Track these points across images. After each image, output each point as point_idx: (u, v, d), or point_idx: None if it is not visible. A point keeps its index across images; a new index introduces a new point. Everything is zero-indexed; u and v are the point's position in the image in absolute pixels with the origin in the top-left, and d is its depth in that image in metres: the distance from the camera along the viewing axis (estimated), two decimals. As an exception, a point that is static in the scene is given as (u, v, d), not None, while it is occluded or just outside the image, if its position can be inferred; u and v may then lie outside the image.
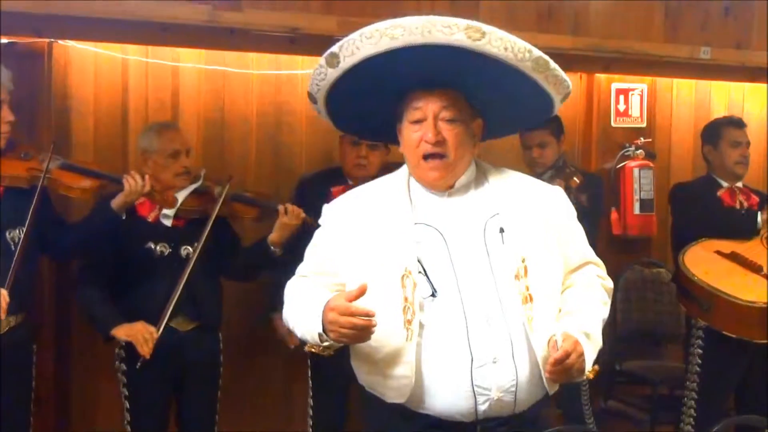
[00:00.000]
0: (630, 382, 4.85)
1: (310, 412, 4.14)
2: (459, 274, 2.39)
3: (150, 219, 3.69)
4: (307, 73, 4.47)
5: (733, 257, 4.12)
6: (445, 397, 2.37)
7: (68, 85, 4.16)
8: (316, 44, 4.27)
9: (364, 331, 2.25)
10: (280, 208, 3.74)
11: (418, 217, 2.46)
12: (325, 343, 2.33)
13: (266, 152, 4.50)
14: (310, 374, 4.12)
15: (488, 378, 2.34)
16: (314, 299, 2.37)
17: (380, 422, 2.54)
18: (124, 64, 4.25)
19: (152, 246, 3.66)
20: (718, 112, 5.21)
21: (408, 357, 2.35)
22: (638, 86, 5.14)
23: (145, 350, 3.49)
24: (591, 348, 2.40)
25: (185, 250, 3.68)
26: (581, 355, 2.33)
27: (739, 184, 4.52)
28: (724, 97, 5.39)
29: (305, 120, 4.51)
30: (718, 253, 4.15)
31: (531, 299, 2.38)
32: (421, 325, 2.36)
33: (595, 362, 2.42)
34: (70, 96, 4.17)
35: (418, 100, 2.45)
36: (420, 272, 2.38)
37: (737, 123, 4.58)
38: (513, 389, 2.36)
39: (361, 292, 2.24)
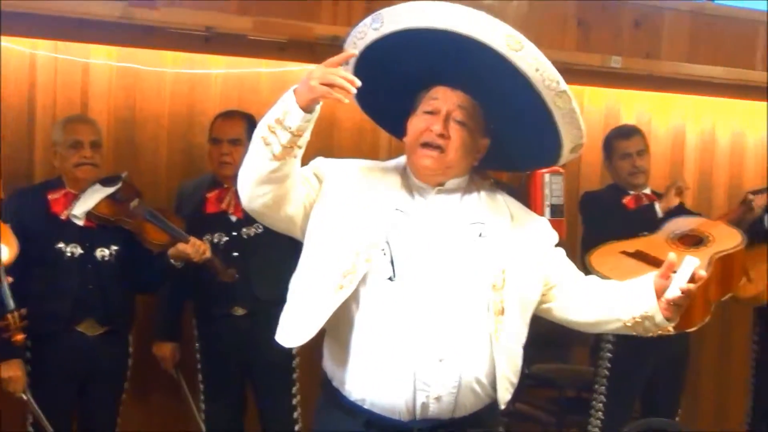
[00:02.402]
0: (538, 385, 4.91)
1: (202, 416, 4.10)
2: (424, 265, 2.36)
3: (62, 217, 3.63)
4: (221, 73, 4.49)
5: (638, 255, 4.19)
6: (387, 387, 2.35)
7: (-27, 80, 4.05)
8: (230, 44, 4.27)
9: (344, 85, 2.18)
10: (192, 240, 3.70)
11: (401, 205, 2.44)
12: (290, 114, 2.22)
13: (178, 152, 4.45)
14: (200, 375, 4.10)
15: (431, 375, 2.33)
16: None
17: (326, 414, 2.52)
18: (32, 60, 4.15)
19: (63, 247, 3.60)
20: (627, 120, 5.30)
21: (327, 310, 2.32)
22: (550, 93, 5.21)
23: None
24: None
25: (101, 252, 3.63)
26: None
27: (646, 191, 4.61)
28: (633, 105, 5.49)
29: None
30: (624, 252, 4.22)
31: (503, 312, 2.38)
32: (382, 306, 2.34)
33: None
34: (-25, 91, 4.06)
35: (437, 93, 2.42)
36: (384, 254, 2.36)
37: (625, 133, 4.63)
38: (455, 391, 2.35)
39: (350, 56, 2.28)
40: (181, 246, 3.67)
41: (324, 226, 2.40)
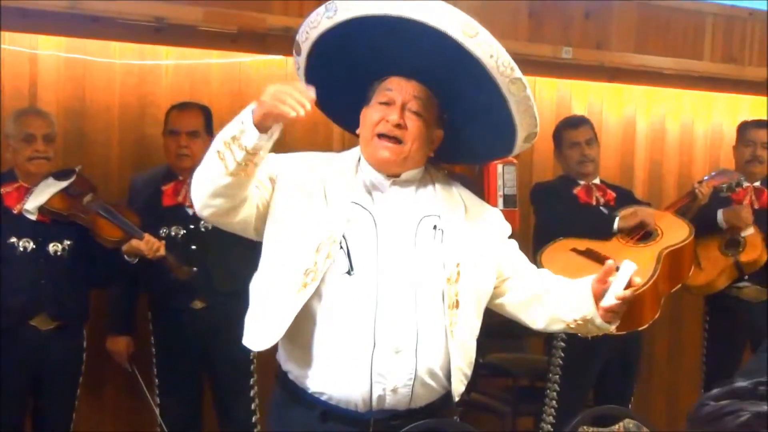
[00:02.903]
0: (493, 375, 4.94)
1: (157, 411, 4.06)
2: (380, 259, 2.36)
3: (15, 211, 3.59)
4: (172, 64, 4.45)
5: (588, 253, 4.22)
6: (343, 379, 2.35)
7: None
8: (181, 34, 4.23)
9: (297, 103, 2.15)
10: (146, 237, 3.66)
11: (357, 197, 2.43)
12: (245, 132, 2.19)
13: (129, 144, 4.40)
14: (155, 369, 4.06)
15: (387, 367, 2.33)
16: None
17: (279, 404, 2.53)
18: (-23, 51, 4.09)
19: (15, 241, 3.56)
20: (579, 110, 5.35)
21: (291, 312, 2.31)
22: (503, 84, 5.22)
23: None
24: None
25: (54, 247, 3.59)
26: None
27: (597, 181, 4.64)
28: (584, 96, 5.53)
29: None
30: (574, 250, 4.25)
31: (457, 305, 2.39)
32: (338, 299, 2.33)
33: None
34: None
35: (391, 84, 2.42)
36: (341, 248, 2.35)
37: (574, 123, 4.66)
38: (410, 383, 2.36)
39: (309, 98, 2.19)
40: (134, 242, 3.63)
41: (281, 225, 2.39)
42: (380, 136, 2.42)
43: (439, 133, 2.51)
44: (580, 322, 2.45)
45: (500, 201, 5.08)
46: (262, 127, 2.19)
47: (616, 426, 2.79)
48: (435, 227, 2.43)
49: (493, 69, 2.28)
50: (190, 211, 3.90)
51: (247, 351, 2.55)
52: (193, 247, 3.91)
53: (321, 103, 2.69)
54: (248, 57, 4.41)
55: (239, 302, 2.54)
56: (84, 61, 4.26)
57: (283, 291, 2.35)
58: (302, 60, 2.51)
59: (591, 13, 5.27)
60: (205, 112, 4.00)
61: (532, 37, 5.08)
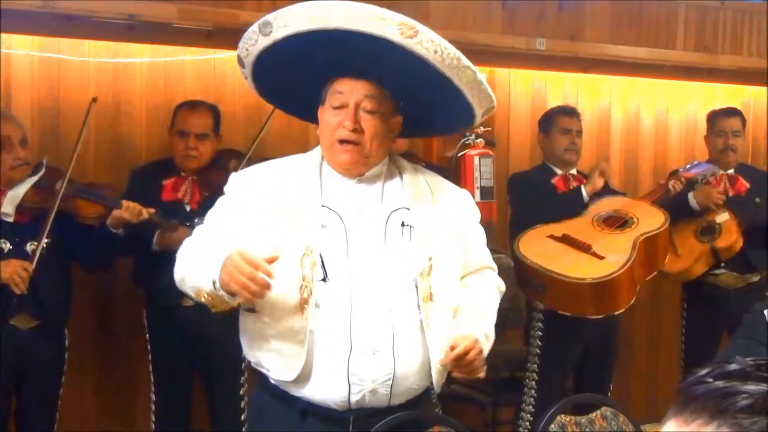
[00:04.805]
0: (473, 366, 4.94)
1: (153, 407, 4.06)
2: (352, 261, 2.39)
3: None
4: (146, 62, 4.43)
5: (564, 239, 4.25)
6: (321, 383, 2.38)
7: None
8: (155, 32, 4.21)
9: (260, 288, 2.19)
10: (125, 203, 3.64)
11: (324, 201, 2.45)
12: (219, 293, 2.27)
13: (105, 142, 4.37)
14: (151, 366, 4.05)
15: (365, 369, 2.36)
16: (218, 249, 2.30)
17: (260, 404, 2.55)
18: (-48, 51, 4.06)
19: None
20: (554, 102, 5.36)
21: (301, 335, 2.35)
22: (478, 76, 5.23)
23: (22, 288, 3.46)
24: (487, 348, 2.48)
25: (31, 246, 3.57)
26: (480, 352, 2.40)
27: (573, 171, 4.68)
28: (559, 87, 5.56)
29: (145, 110, 4.41)
30: (551, 237, 4.28)
31: (431, 298, 2.41)
32: (317, 305, 2.36)
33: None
34: None
35: (341, 86, 2.43)
36: (319, 254, 2.38)
37: (569, 112, 4.75)
38: (389, 382, 2.38)
39: (272, 261, 2.22)
40: (116, 212, 3.62)
41: (260, 248, 2.38)
42: (339, 141, 2.44)
43: (398, 120, 2.54)
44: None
45: (477, 193, 5.07)
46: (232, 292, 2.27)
47: (594, 414, 2.81)
48: (403, 224, 2.45)
49: (439, 63, 2.31)
50: (188, 208, 3.91)
51: (238, 350, 2.57)
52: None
53: (276, 101, 2.75)
54: (223, 53, 4.40)
55: None
56: (58, 60, 4.24)
57: (289, 320, 2.38)
58: (248, 71, 2.56)
59: (564, 5, 5.29)
60: (214, 113, 4.01)
61: (505, 29, 5.10)
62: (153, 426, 4.06)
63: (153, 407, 4.07)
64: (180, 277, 2.45)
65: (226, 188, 2.56)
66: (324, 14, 2.28)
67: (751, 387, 0.91)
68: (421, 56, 2.28)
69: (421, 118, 2.59)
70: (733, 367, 0.95)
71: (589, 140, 4.95)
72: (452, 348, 2.36)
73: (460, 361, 2.36)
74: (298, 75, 2.50)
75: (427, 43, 2.28)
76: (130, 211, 3.62)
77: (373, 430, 2.38)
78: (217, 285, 2.25)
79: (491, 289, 2.65)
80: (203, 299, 2.36)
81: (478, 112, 2.49)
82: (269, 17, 2.36)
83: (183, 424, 4.08)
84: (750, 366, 0.94)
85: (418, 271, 2.41)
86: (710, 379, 0.95)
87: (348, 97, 2.42)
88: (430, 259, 2.43)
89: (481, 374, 2.49)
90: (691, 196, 4.76)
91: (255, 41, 2.42)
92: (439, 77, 2.34)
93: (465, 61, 2.33)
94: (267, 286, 2.21)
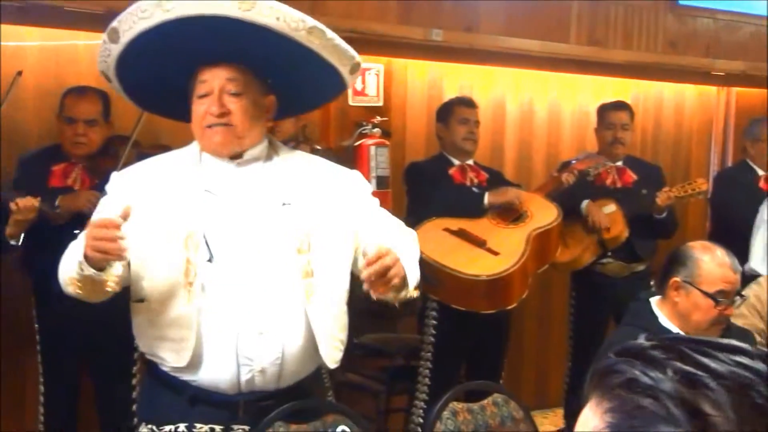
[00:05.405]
0: (367, 355, 4.97)
1: (41, 399, 3.97)
2: (236, 242, 2.39)
3: None
4: (36, 45, 4.32)
5: (460, 234, 4.30)
6: (211, 366, 2.37)
7: None
8: (46, 15, 4.10)
9: (112, 242, 2.17)
10: (12, 206, 3.54)
11: (206, 185, 2.45)
12: (86, 272, 2.25)
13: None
14: (40, 362, 3.97)
15: (253, 349, 2.36)
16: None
17: (150, 392, 2.54)
18: None
19: None
20: (450, 93, 5.42)
21: (188, 319, 2.34)
22: (374, 66, 5.25)
23: None
24: (412, 267, 2.40)
25: None
26: (397, 260, 2.30)
27: (470, 162, 4.74)
28: (455, 79, 5.61)
29: (35, 96, 4.30)
30: (447, 230, 4.32)
31: (312, 274, 2.41)
32: (203, 288, 2.35)
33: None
34: None
35: (204, 75, 2.43)
36: (203, 235, 2.37)
37: (467, 102, 4.81)
38: (278, 362, 2.39)
39: (125, 215, 2.20)
40: (11, 220, 3.52)
41: (144, 241, 2.39)
42: (209, 127, 2.45)
43: (271, 99, 2.55)
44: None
45: (373, 182, 5.10)
46: (99, 265, 2.24)
47: (486, 400, 2.87)
48: (284, 203, 2.46)
49: (285, 29, 2.33)
50: None
51: (130, 338, 2.55)
52: (76, 231, 3.80)
53: (157, 110, 2.74)
54: (116, 38, 4.32)
55: (120, 292, 2.51)
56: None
57: (175, 305, 2.37)
58: (115, 84, 2.57)
59: (461, -4, 5.35)
60: (104, 98, 3.92)
61: (401, 19, 5.12)
62: (42, 419, 3.97)
63: (41, 399, 3.97)
64: (60, 278, 2.44)
65: (107, 187, 2.55)
66: (162, 7, 2.30)
67: (633, 368, 0.94)
68: (266, 26, 2.30)
69: (296, 94, 2.61)
70: (636, 344, 0.98)
71: (484, 131, 5.02)
72: (365, 256, 2.34)
73: (375, 271, 2.26)
74: (166, 76, 2.50)
75: (267, 10, 2.30)
76: (24, 210, 3.51)
77: (266, 419, 2.38)
78: (84, 265, 2.24)
79: (408, 235, 2.63)
80: (78, 290, 2.34)
81: (344, 71, 2.51)
82: (113, 24, 2.38)
83: (71, 414, 4.00)
84: (648, 344, 0.97)
85: (295, 247, 2.42)
86: (614, 355, 0.97)
87: (211, 84, 2.44)
88: (308, 235, 2.44)
89: (405, 292, 2.40)
90: (584, 206, 4.86)
91: (108, 51, 2.44)
92: (296, 46, 2.36)
93: (311, 21, 2.35)
94: (116, 238, 2.18)
